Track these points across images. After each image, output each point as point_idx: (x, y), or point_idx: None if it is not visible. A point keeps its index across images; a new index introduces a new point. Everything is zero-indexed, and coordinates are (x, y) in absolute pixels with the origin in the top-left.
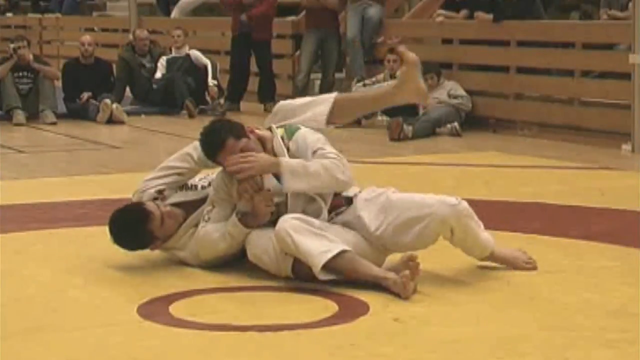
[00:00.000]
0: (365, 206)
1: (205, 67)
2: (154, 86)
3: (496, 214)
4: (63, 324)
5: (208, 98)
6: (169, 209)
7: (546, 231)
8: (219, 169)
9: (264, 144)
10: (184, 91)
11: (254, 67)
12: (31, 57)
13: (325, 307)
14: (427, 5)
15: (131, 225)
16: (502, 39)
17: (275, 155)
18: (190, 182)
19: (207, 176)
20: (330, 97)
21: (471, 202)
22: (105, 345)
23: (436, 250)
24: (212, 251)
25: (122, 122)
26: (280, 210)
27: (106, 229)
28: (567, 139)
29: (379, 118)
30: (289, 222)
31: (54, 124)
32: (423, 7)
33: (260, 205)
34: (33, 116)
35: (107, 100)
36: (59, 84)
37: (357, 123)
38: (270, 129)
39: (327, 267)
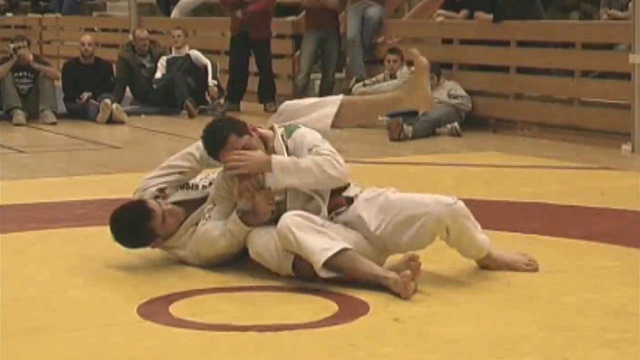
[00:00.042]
0: (365, 206)
1: (205, 67)
2: (154, 86)
3: (496, 214)
4: (63, 324)
5: (208, 98)
6: (170, 207)
7: (546, 231)
8: (220, 168)
9: (266, 143)
10: (184, 91)
11: (253, 67)
12: (31, 57)
13: (325, 307)
14: (427, 5)
15: (132, 223)
16: (502, 39)
17: (275, 153)
18: (192, 181)
19: (208, 176)
20: (337, 100)
21: (471, 202)
22: (105, 345)
23: (436, 250)
24: (212, 249)
25: (122, 122)
26: (281, 208)
27: (106, 229)
28: (567, 139)
29: (379, 118)
30: (291, 218)
31: (54, 124)
32: (423, 7)
33: (261, 204)
34: (33, 116)
35: (107, 100)
36: (59, 84)
37: None
38: (272, 128)
39: (328, 264)
